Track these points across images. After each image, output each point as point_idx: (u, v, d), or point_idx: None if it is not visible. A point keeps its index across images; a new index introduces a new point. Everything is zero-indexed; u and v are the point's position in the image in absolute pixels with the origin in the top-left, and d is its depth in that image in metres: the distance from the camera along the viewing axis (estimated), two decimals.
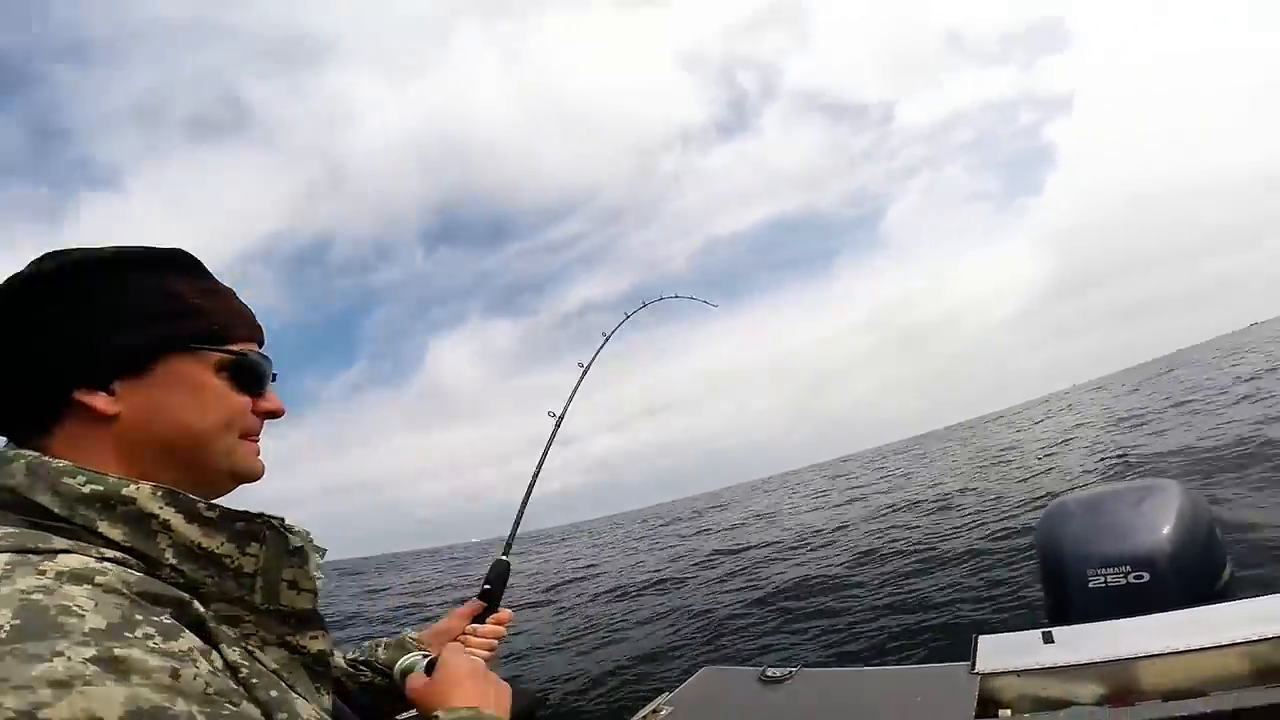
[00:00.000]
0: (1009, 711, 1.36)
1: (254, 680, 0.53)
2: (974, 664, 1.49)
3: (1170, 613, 1.50)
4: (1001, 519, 7.88)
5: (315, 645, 0.63)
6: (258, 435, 0.69)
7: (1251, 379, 13.31)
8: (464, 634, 1.00)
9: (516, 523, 1.15)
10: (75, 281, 0.60)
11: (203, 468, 0.64)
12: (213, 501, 0.59)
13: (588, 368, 1.43)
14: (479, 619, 1.02)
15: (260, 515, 0.61)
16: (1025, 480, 10.37)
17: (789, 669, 1.77)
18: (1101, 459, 9.73)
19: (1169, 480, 2.31)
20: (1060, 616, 1.88)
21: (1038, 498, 8.15)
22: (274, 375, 0.70)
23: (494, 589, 1.06)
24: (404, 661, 0.92)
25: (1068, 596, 1.92)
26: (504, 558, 1.10)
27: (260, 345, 0.71)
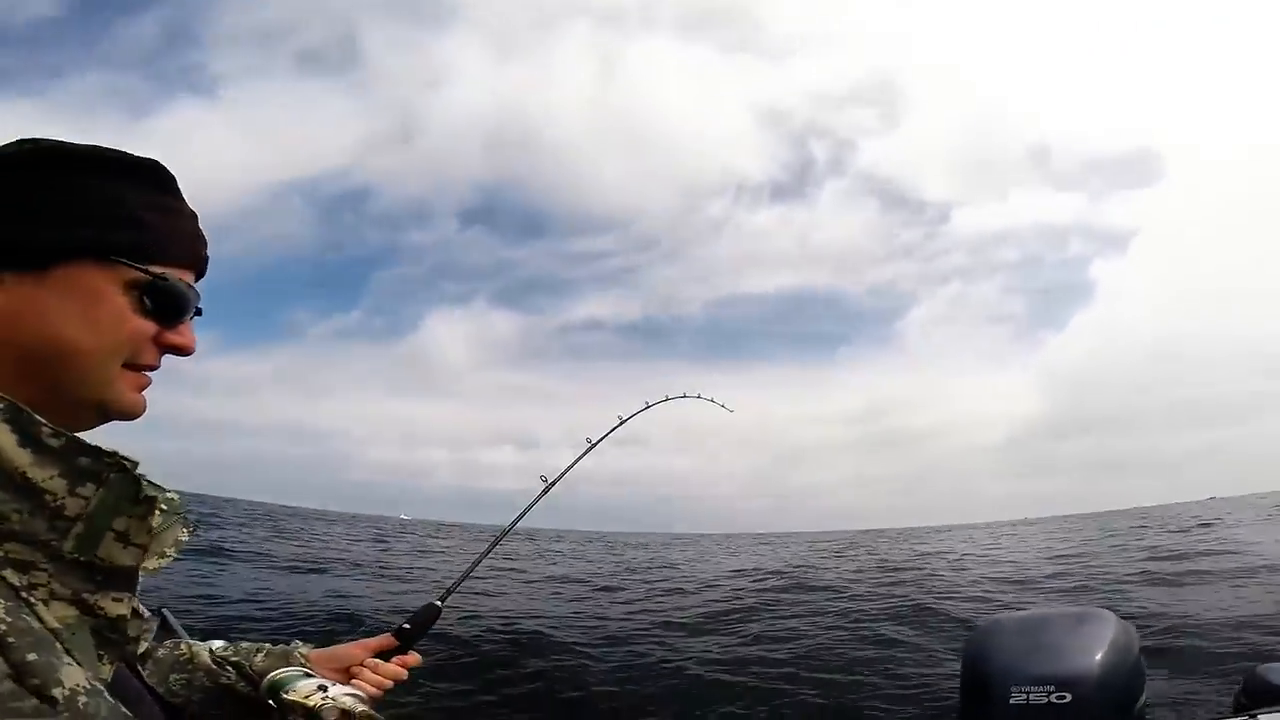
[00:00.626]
0: None
1: (11, 639, 0.46)
2: None
3: None
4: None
5: (115, 609, 0.54)
6: (151, 369, 0.61)
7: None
8: (362, 665, 0.92)
9: (464, 575, 1.10)
10: None
11: (68, 391, 0.56)
12: (68, 432, 0.52)
13: (595, 444, 1.42)
14: (385, 655, 0.95)
15: (113, 454, 0.53)
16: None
17: None
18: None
19: (1106, 610, 2.26)
20: None
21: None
22: (199, 311, 0.63)
23: (413, 630, 0.98)
24: (277, 675, 0.82)
25: (987, 711, 1.84)
26: (438, 604, 1.03)
27: (198, 277, 0.64)
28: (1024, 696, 1.79)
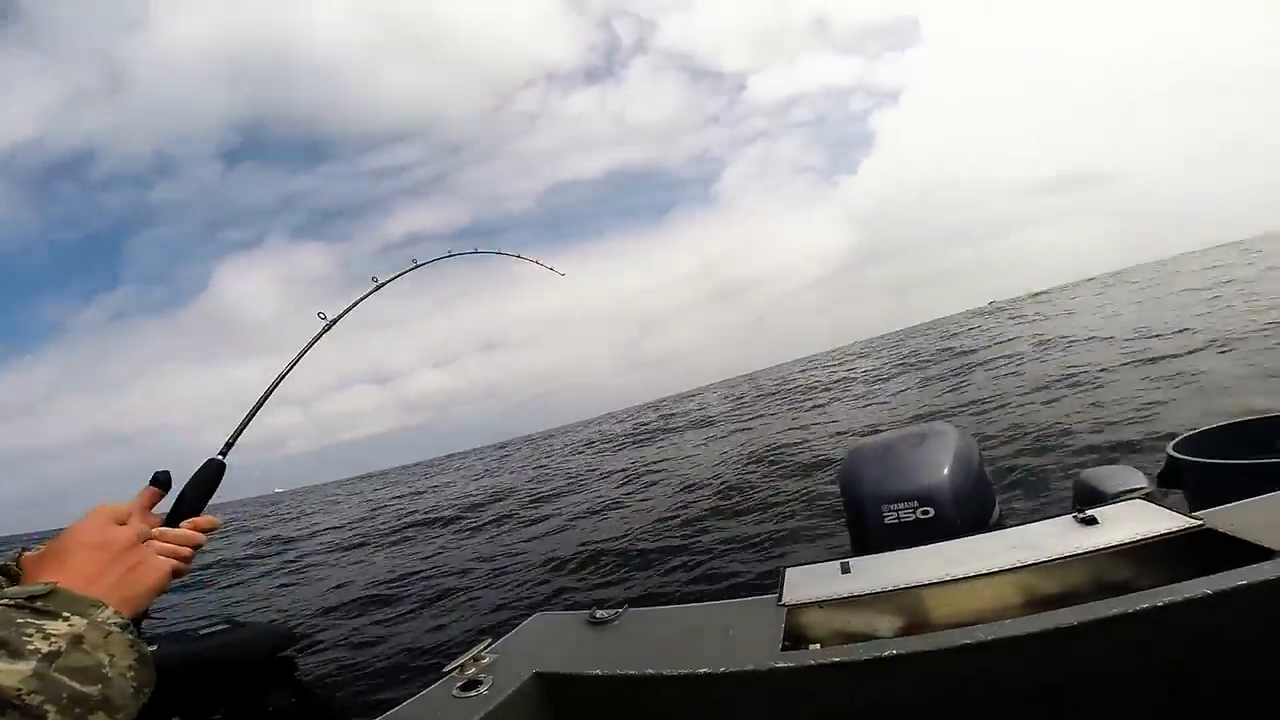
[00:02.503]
0: (818, 645, 1.38)
1: None
2: (781, 596, 1.52)
3: (950, 542, 1.63)
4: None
5: None
6: None
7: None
8: (149, 538, 0.76)
9: (245, 422, 1.00)
10: None
11: None
12: None
13: (382, 285, 1.32)
14: (171, 521, 0.81)
15: None
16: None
17: (617, 610, 1.72)
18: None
19: (945, 424, 2.54)
20: (862, 551, 1.97)
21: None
22: None
23: (197, 490, 0.87)
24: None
25: (867, 532, 2.04)
26: (219, 458, 0.92)
27: None
28: (895, 516, 1.99)
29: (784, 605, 1.46)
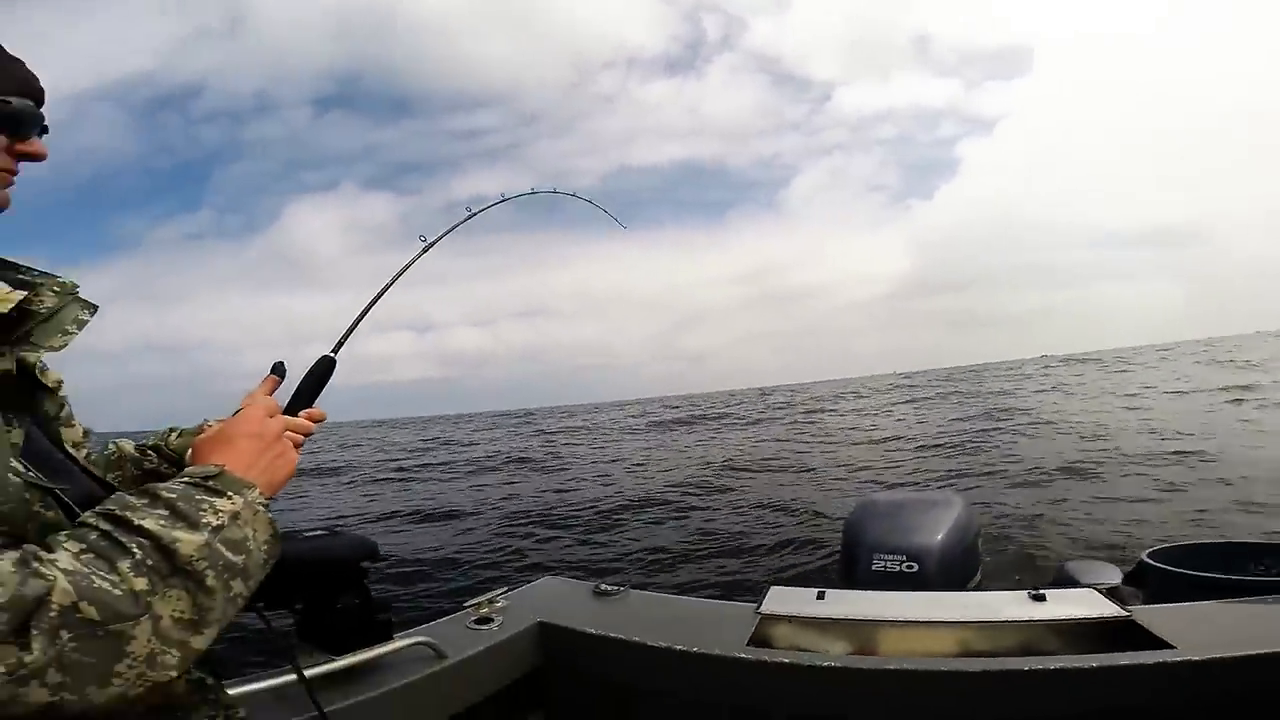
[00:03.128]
0: (777, 649, 1.70)
1: None
2: (760, 605, 1.83)
3: (917, 593, 1.96)
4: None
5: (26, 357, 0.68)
6: (10, 173, 0.74)
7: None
8: None
9: (355, 324, 1.03)
10: None
11: None
12: None
13: (474, 214, 1.27)
14: (290, 411, 0.89)
15: None
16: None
17: (620, 587, 2.06)
18: None
19: (957, 495, 2.85)
20: (845, 586, 2.32)
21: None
22: (45, 128, 0.75)
23: (312, 383, 0.93)
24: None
25: (855, 572, 2.38)
26: (331, 355, 0.97)
27: (38, 105, 0.76)
28: (883, 564, 2.32)
29: (760, 613, 1.78)
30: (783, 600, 1.87)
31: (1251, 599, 1.65)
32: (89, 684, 0.50)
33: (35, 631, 0.47)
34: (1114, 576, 2.40)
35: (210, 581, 0.58)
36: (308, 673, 1.31)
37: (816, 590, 1.92)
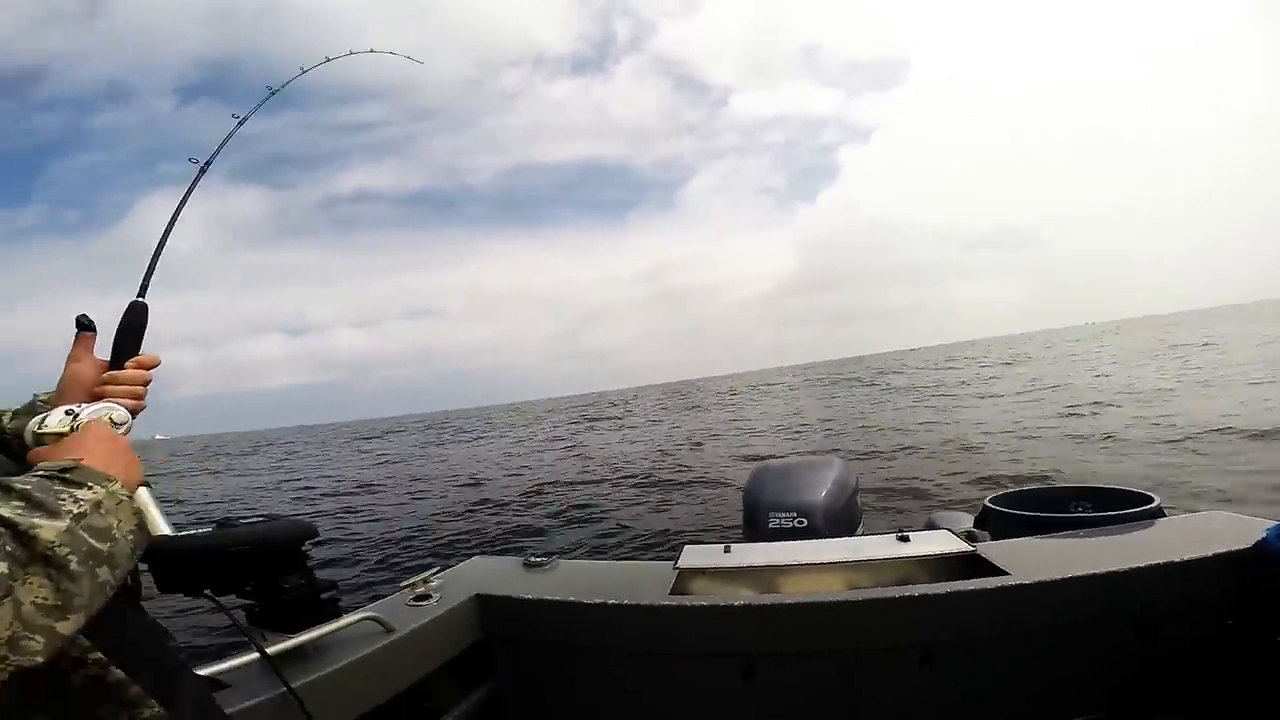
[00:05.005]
0: (695, 594, 1.96)
1: None
2: (677, 562, 2.09)
3: (808, 541, 2.29)
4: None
5: None
6: None
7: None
8: (102, 384, 0.88)
9: (153, 262, 1.02)
10: None
11: None
12: None
13: (245, 118, 1.27)
14: (115, 364, 0.90)
15: None
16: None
17: (549, 558, 2.24)
18: None
19: (837, 458, 3.21)
20: (748, 541, 2.61)
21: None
22: None
23: (126, 334, 0.93)
24: (30, 426, 0.78)
25: (756, 530, 2.68)
26: (140, 299, 0.96)
27: None
28: (778, 521, 2.63)
29: (677, 568, 2.04)
30: (696, 556, 2.13)
31: (1070, 533, 2.04)
32: None
33: None
34: (966, 522, 2.86)
35: (74, 567, 0.58)
36: (268, 650, 1.39)
37: (724, 545, 2.19)
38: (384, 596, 2.05)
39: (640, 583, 1.96)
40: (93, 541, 0.61)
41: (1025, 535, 2.14)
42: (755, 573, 2.01)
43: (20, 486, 0.60)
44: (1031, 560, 1.80)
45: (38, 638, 0.55)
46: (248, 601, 1.51)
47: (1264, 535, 1.65)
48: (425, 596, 1.97)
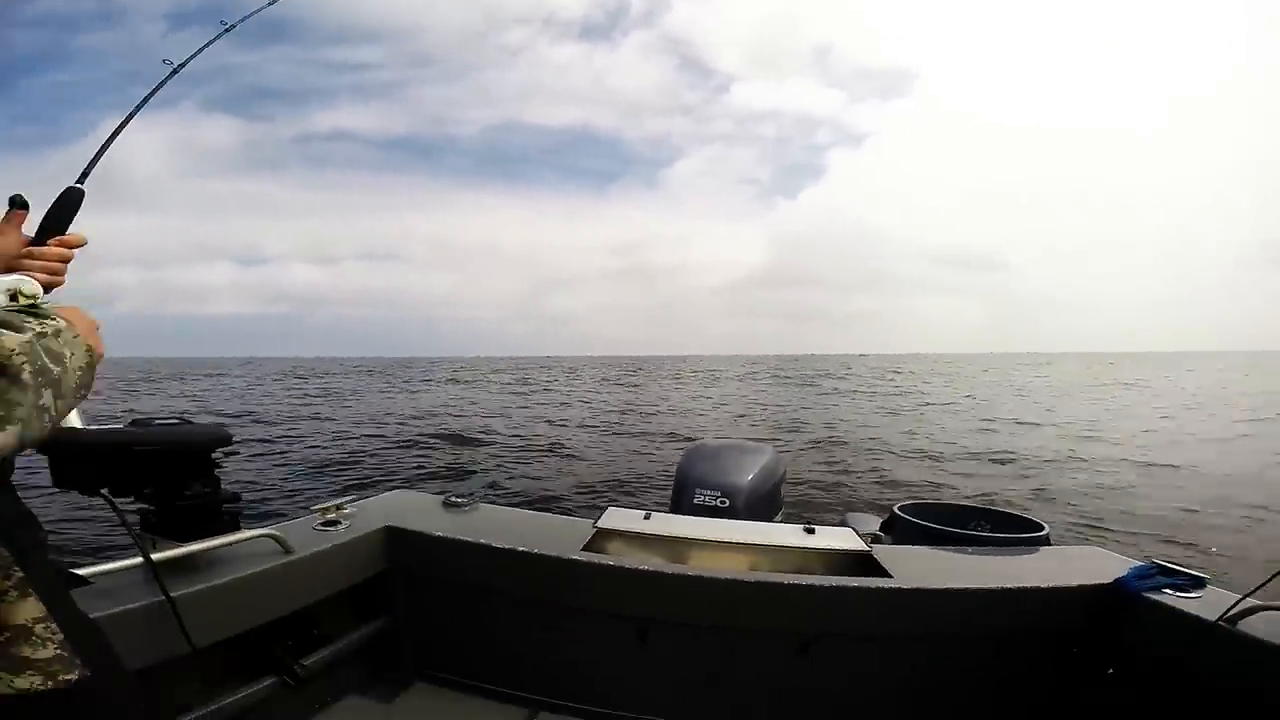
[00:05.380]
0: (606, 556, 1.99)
1: None
2: (596, 521, 2.11)
3: (724, 520, 2.36)
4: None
5: None
6: None
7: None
8: (21, 257, 0.90)
9: (100, 152, 1.04)
10: None
11: None
12: None
13: (229, 27, 1.36)
14: (38, 240, 0.93)
15: None
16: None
17: (470, 500, 2.23)
18: None
19: (769, 446, 3.29)
20: (673, 513, 2.65)
21: None
22: None
23: (55, 214, 0.95)
24: None
25: (681, 503, 2.73)
26: (78, 186, 0.99)
27: None
28: (703, 499, 2.69)
29: (596, 527, 2.07)
30: (616, 519, 2.15)
31: (960, 548, 2.15)
32: None
33: None
34: (874, 524, 2.99)
35: (25, 378, 0.62)
36: (155, 557, 1.33)
37: (644, 513, 2.22)
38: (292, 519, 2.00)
39: (557, 536, 1.98)
40: (46, 360, 0.65)
41: (924, 545, 2.25)
42: (668, 543, 2.05)
43: None
44: (918, 567, 1.88)
45: None
46: (145, 506, 1.44)
47: (1124, 574, 1.76)
48: (334, 523, 1.94)
